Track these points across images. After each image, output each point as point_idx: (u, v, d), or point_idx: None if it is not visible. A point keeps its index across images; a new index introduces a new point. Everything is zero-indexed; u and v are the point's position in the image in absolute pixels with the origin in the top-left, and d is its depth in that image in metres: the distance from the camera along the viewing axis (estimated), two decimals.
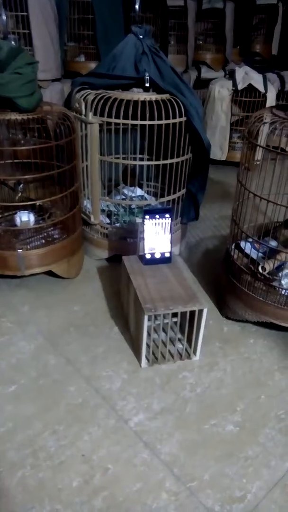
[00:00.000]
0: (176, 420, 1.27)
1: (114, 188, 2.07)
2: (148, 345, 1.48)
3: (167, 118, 1.69)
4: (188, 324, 1.46)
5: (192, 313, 1.41)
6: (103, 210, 1.96)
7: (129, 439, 1.21)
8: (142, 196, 2.03)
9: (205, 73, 3.51)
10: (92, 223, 1.92)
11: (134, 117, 1.66)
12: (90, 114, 1.71)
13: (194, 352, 1.49)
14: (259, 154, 1.48)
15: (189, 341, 1.50)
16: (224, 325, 1.66)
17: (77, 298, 1.76)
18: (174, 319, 1.55)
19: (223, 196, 2.73)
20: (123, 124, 1.67)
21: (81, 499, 1.07)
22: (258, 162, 1.51)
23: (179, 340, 1.53)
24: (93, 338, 1.57)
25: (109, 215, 1.97)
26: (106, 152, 1.80)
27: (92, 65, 2.79)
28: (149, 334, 1.46)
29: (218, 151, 2.99)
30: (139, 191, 2.05)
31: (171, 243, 1.54)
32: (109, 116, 1.67)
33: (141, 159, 1.98)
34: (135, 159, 1.97)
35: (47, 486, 1.09)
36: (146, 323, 1.35)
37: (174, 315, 1.52)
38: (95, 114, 1.70)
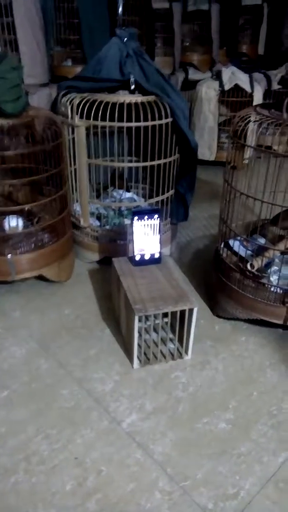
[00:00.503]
0: (169, 419, 1.27)
1: (103, 190, 2.09)
2: (139, 346, 1.47)
3: (153, 119, 1.70)
4: (179, 323, 1.46)
5: (182, 312, 1.41)
6: (92, 213, 1.97)
7: (122, 440, 1.21)
8: (131, 198, 2.04)
9: (193, 74, 3.53)
10: (82, 226, 1.92)
11: (121, 120, 1.68)
12: (77, 118, 1.71)
13: (186, 352, 1.49)
14: (247, 153, 1.47)
15: (180, 340, 1.51)
16: (216, 323, 1.66)
17: (68, 302, 1.76)
18: (165, 320, 1.55)
19: (212, 196, 2.72)
20: (110, 126, 1.67)
21: (75, 502, 1.07)
22: (246, 161, 1.52)
23: (171, 340, 1.53)
24: (85, 341, 1.56)
25: (98, 218, 1.97)
26: (94, 155, 1.80)
27: (79, 69, 2.77)
28: (140, 335, 1.48)
29: (207, 152, 2.99)
30: (128, 193, 2.07)
31: (160, 243, 1.54)
32: (96, 119, 1.68)
33: (129, 161, 2.00)
34: (123, 161, 1.97)
35: (40, 490, 1.09)
36: (136, 324, 1.35)
37: (165, 315, 1.54)
38: (81, 117, 1.71)
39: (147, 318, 1.47)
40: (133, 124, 1.67)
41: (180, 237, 2.27)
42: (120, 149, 1.99)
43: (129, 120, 1.67)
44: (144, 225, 1.53)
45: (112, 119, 1.67)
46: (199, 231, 2.34)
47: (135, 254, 1.54)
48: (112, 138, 1.75)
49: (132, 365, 1.46)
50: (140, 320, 1.39)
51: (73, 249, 1.89)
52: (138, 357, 1.45)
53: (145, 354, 1.48)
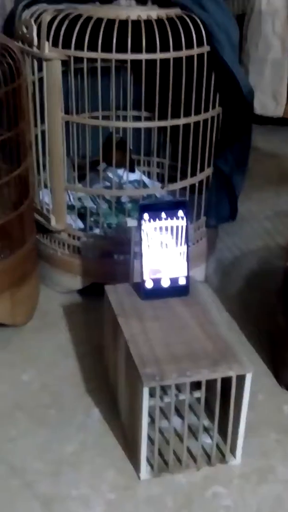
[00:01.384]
0: None
1: (91, 169, 1.95)
2: (151, 441, 1.38)
3: (178, 48, 1.64)
4: (220, 402, 1.36)
5: (226, 381, 1.32)
6: (71, 207, 1.90)
7: None
8: (138, 182, 1.98)
9: None
10: (53, 229, 1.84)
11: (122, 49, 1.62)
12: (47, 45, 1.65)
13: (233, 452, 1.41)
14: None
15: (223, 432, 1.41)
16: (285, 402, 1.58)
17: (28, 360, 1.68)
18: (196, 394, 1.44)
19: (280, 179, 2.61)
20: (103, 60, 1.63)
21: None
22: None
23: (206, 430, 1.44)
24: (56, 429, 1.47)
25: (82, 215, 1.90)
26: (75, 109, 1.76)
27: None
28: (152, 421, 1.38)
29: (270, 102, 2.82)
30: (133, 174, 2.03)
31: (188, 261, 1.48)
32: (80, 47, 1.63)
33: (136, 119, 1.96)
34: (125, 119, 1.90)
35: None
36: (146, 402, 1.26)
37: (196, 386, 1.40)
38: (55, 44, 1.66)
39: (164, 390, 1.40)
40: (144, 56, 1.62)
41: (222, 250, 2.17)
42: (120, 99, 1.95)
43: (136, 49, 1.63)
44: (161, 229, 1.45)
45: (107, 47, 1.62)
46: (255, 239, 2.25)
47: (144, 279, 1.47)
48: (106, 79, 1.71)
49: (137, 473, 1.38)
50: (152, 395, 1.29)
51: (37, 269, 1.82)
52: (148, 460, 1.37)
53: (160, 454, 1.40)
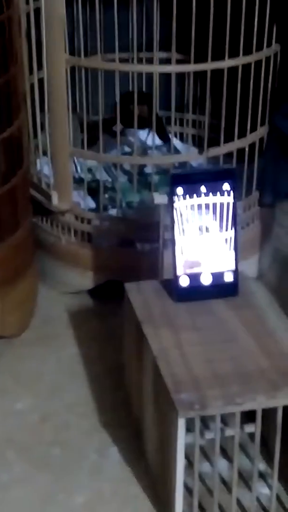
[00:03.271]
0: None
1: (104, 131, 1.86)
2: (188, 490, 1.33)
3: None
4: (280, 437, 1.30)
5: None
6: (79, 181, 1.88)
7: None
8: (167, 146, 1.96)
9: None
10: (56, 210, 1.82)
11: None
12: None
13: None
14: None
15: (284, 478, 1.37)
16: None
17: (23, 383, 1.65)
18: (249, 428, 1.34)
19: None
20: None
21: None
22: None
23: (262, 476, 1.39)
24: (62, 474, 1.42)
25: (93, 191, 1.87)
26: (83, 49, 1.73)
27: None
28: (190, 464, 1.33)
29: None
30: (159, 138, 2.02)
31: (236, 251, 1.45)
32: None
33: (165, 61, 1.90)
34: (149, 61, 1.89)
35: None
36: (182, 438, 1.19)
37: (249, 417, 1.33)
38: None
39: (205, 424, 1.33)
40: None
41: (281, 237, 2.13)
42: (143, 36, 1.96)
43: None
44: (200, 208, 1.40)
45: None
46: None
47: (178, 274, 1.43)
48: (125, 10, 1.78)
49: None
50: (190, 429, 1.22)
51: (34, 263, 1.79)
52: None
53: (201, 508, 1.34)
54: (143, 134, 2.00)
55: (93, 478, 1.45)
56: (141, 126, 1.95)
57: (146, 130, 1.99)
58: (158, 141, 1.98)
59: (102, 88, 1.86)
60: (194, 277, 1.45)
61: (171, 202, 1.41)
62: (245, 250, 1.84)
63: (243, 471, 1.41)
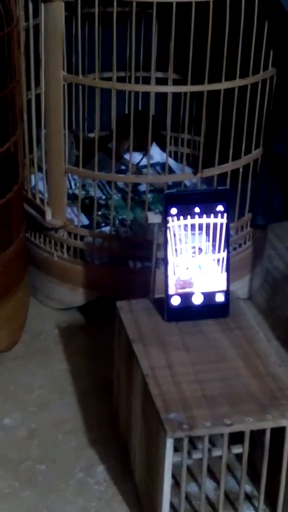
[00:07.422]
0: None
1: (100, 148, 1.90)
2: (174, 509, 1.34)
3: None
4: (268, 460, 1.31)
5: (277, 433, 1.28)
6: (73, 197, 1.90)
7: None
8: (162, 165, 1.98)
9: None
10: (49, 226, 1.84)
11: None
12: None
13: None
14: None
15: (270, 500, 1.39)
16: None
17: (11, 399, 1.66)
18: (237, 449, 1.37)
19: None
20: (120, 3, 1.62)
21: None
22: None
23: (248, 498, 1.42)
24: (48, 492, 1.44)
25: (87, 208, 1.90)
26: (81, 67, 1.71)
27: None
28: (177, 484, 1.34)
29: None
30: (157, 154, 2.05)
31: (228, 272, 1.47)
32: None
33: (161, 81, 1.90)
34: (146, 81, 1.89)
35: None
36: (170, 458, 1.22)
37: (237, 438, 1.34)
38: None
39: (194, 444, 1.40)
40: None
41: (272, 258, 2.17)
42: (140, 56, 1.97)
43: None
44: (193, 228, 1.43)
45: None
46: None
47: (169, 293, 1.45)
48: (123, 29, 1.79)
49: None
50: (177, 449, 1.25)
51: (26, 278, 1.80)
52: None
53: None
54: (138, 156, 2.01)
55: (79, 496, 1.45)
56: (141, 150, 1.98)
57: (142, 154, 1.99)
58: (154, 158, 1.97)
59: (98, 106, 1.85)
60: (186, 297, 1.46)
61: (164, 221, 1.43)
62: (237, 271, 1.85)
63: (230, 492, 1.42)
